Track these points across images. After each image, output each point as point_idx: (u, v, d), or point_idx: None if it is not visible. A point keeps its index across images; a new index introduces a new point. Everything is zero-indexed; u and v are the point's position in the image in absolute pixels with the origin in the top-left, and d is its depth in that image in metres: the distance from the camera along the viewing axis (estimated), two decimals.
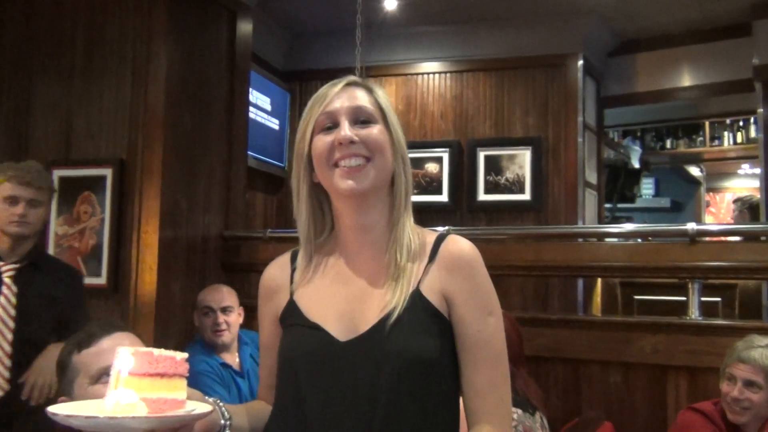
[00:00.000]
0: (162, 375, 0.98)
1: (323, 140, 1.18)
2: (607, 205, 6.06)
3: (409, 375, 1.11)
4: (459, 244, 1.20)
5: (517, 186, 4.78)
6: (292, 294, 1.24)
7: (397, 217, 1.21)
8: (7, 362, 2.26)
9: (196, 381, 2.67)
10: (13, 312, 2.29)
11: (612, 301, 4.46)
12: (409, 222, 1.22)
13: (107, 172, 3.24)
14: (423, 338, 1.14)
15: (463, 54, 5.05)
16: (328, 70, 5.16)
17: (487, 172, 4.86)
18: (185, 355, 1.01)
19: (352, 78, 1.24)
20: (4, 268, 2.33)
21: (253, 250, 3.60)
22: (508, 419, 1.17)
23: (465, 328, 1.16)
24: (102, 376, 1.43)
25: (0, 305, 2.29)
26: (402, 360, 1.11)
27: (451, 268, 1.17)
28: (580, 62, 4.79)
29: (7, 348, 2.26)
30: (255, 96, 4.71)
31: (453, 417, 1.17)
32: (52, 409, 0.99)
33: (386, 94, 1.25)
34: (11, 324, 2.28)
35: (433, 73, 5.13)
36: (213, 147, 3.61)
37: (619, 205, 6.78)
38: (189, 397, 1.03)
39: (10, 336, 2.27)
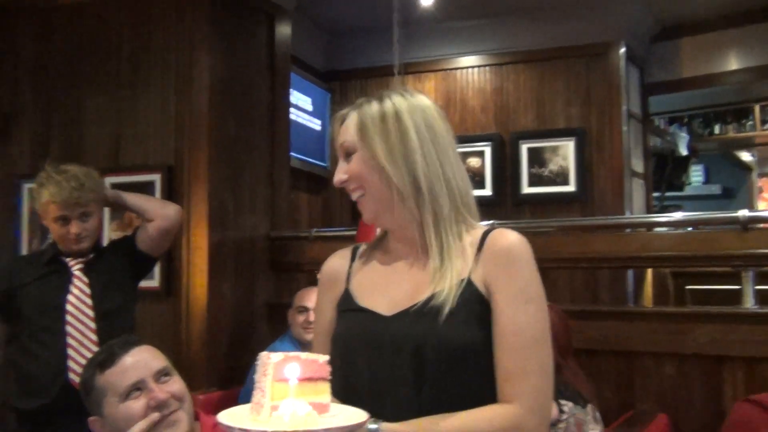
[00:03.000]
0: (309, 379, 0.98)
1: None
2: (656, 194, 5.94)
3: (450, 358, 1.15)
4: (504, 235, 1.23)
5: (561, 178, 4.73)
6: (348, 283, 1.32)
7: (425, 220, 1.24)
8: (94, 338, 2.39)
9: None
10: (90, 302, 2.41)
11: (664, 291, 4.38)
12: (445, 220, 1.24)
13: (156, 178, 3.33)
14: (465, 324, 1.17)
15: (502, 47, 5.01)
16: (367, 69, 5.18)
17: (530, 165, 4.82)
18: (327, 357, 1.01)
19: (340, 113, 1.31)
20: (71, 263, 2.45)
21: (300, 250, 3.65)
22: (541, 408, 1.16)
23: (498, 313, 1.18)
24: (131, 392, 1.47)
25: (75, 297, 2.41)
26: (441, 342, 1.15)
27: (492, 256, 1.21)
28: (622, 50, 4.70)
29: (93, 337, 2.38)
30: (296, 97, 4.76)
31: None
32: (224, 419, 0.98)
33: (370, 109, 1.26)
34: (91, 313, 2.40)
35: (472, 67, 5.10)
36: (257, 149, 3.67)
37: (668, 194, 6.64)
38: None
39: (93, 324, 2.39)
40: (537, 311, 1.19)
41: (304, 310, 3.06)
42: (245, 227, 3.54)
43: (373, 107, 1.26)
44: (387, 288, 1.26)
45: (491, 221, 3.03)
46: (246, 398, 3.23)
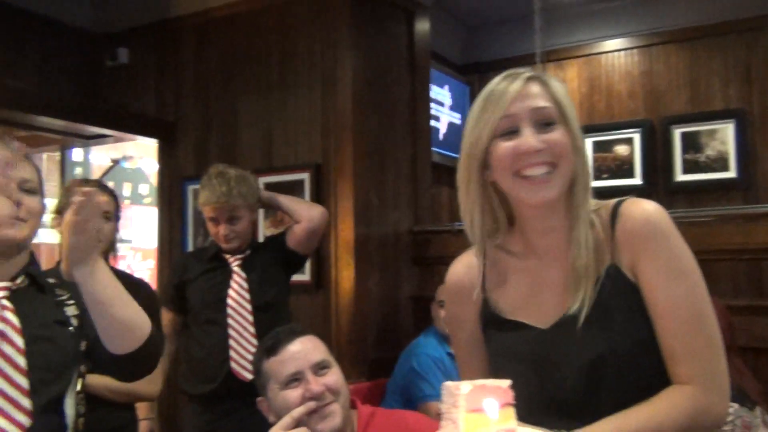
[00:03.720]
0: None
1: (504, 147, 1.13)
2: None
3: (628, 360, 1.08)
4: (636, 205, 1.13)
5: (719, 163, 4.41)
6: (485, 291, 1.24)
7: (576, 215, 1.15)
8: (252, 330, 2.55)
9: (425, 362, 2.99)
10: (248, 296, 2.58)
11: None
12: (589, 209, 1.16)
13: (305, 176, 3.48)
14: (632, 320, 1.10)
15: (650, 27, 4.74)
16: (507, 60, 5.10)
17: (684, 151, 4.54)
18: (509, 382, 0.99)
19: (528, 73, 1.17)
20: (231, 259, 2.63)
21: (443, 244, 3.67)
22: (719, 386, 1.08)
23: (651, 294, 1.09)
24: (290, 382, 1.55)
25: (235, 291, 2.58)
26: (613, 341, 1.09)
27: (628, 233, 1.12)
28: None
29: (252, 329, 2.55)
30: (435, 91, 4.80)
31: None
32: None
33: (562, 84, 1.18)
34: (249, 306, 2.57)
35: (618, 50, 4.88)
36: (399, 145, 3.74)
37: None
38: None
39: (251, 317, 2.56)
40: (693, 284, 1.09)
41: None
42: (389, 222, 3.62)
43: (557, 81, 1.17)
44: (531, 294, 1.18)
45: None
46: (394, 390, 3.29)
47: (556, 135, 1.13)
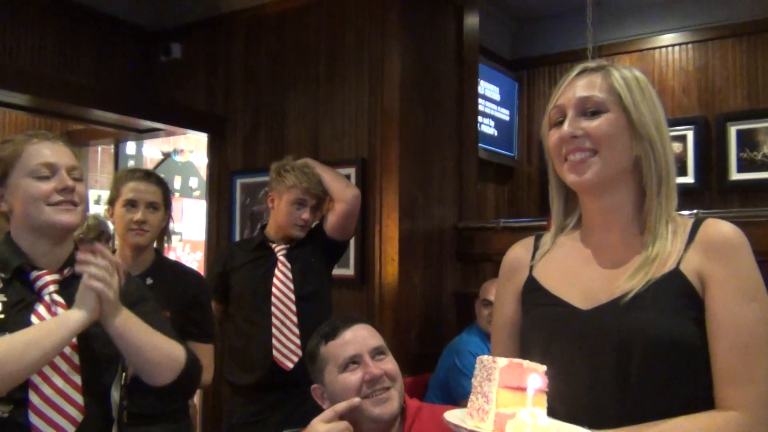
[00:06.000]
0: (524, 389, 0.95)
1: (553, 136, 1.20)
2: None
3: (659, 355, 1.07)
4: (719, 226, 1.14)
5: None
6: (531, 270, 1.27)
7: (649, 204, 1.17)
8: (295, 319, 2.57)
9: (468, 359, 2.96)
10: (291, 285, 2.61)
11: None
12: (666, 207, 1.17)
13: (351, 171, 3.50)
14: (675, 319, 1.08)
15: (707, 21, 4.61)
16: (557, 55, 5.03)
17: (740, 149, 4.40)
18: (544, 368, 0.98)
19: (585, 64, 1.22)
20: (277, 249, 2.66)
21: (487, 241, 3.65)
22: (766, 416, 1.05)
23: (719, 311, 1.08)
24: (348, 365, 1.58)
25: (280, 280, 2.61)
26: (649, 338, 1.07)
27: (709, 249, 1.12)
28: None
29: (294, 318, 2.57)
30: (483, 87, 4.75)
31: (709, 407, 1.09)
32: (450, 417, 0.99)
33: (628, 74, 1.19)
34: (292, 296, 2.59)
35: (672, 45, 4.76)
36: (445, 141, 3.72)
37: None
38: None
39: (294, 307, 2.58)
40: (761, 311, 1.08)
41: (489, 303, 3.06)
42: (434, 218, 3.61)
43: (626, 72, 1.19)
44: (579, 277, 1.19)
45: (694, 210, 2.83)
46: (436, 386, 3.26)
47: (598, 122, 1.15)
